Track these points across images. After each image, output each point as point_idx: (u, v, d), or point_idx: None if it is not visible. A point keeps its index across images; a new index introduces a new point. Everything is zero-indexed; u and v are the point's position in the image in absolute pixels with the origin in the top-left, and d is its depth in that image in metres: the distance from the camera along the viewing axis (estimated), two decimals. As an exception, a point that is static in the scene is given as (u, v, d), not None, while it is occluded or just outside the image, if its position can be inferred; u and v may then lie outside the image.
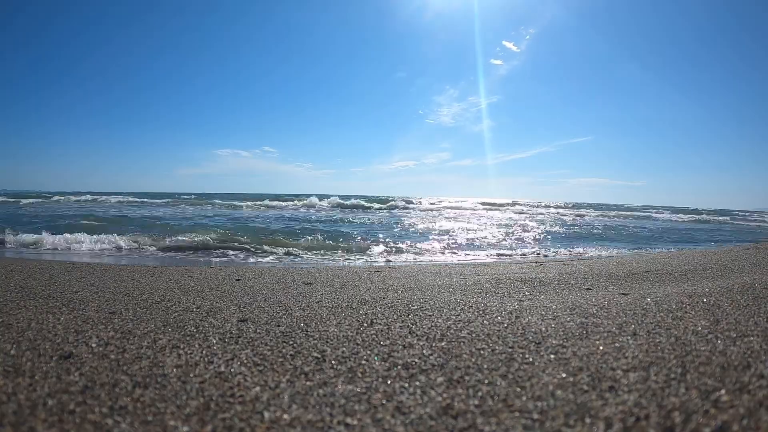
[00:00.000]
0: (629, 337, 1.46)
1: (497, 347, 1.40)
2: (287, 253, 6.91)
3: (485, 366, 1.24)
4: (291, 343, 1.50)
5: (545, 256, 7.08)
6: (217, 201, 25.12)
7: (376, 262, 6.13)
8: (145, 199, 25.36)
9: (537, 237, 10.48)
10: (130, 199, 25.62)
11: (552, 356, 1.30)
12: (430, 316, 1.86)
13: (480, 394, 1.06)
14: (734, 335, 1.43)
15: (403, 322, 1.77)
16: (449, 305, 2.09)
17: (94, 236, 7.23)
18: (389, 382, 1.15)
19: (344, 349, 1.42)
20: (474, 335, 1.54)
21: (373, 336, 1.56)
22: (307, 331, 1.64)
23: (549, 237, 10.61)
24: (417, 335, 1.56)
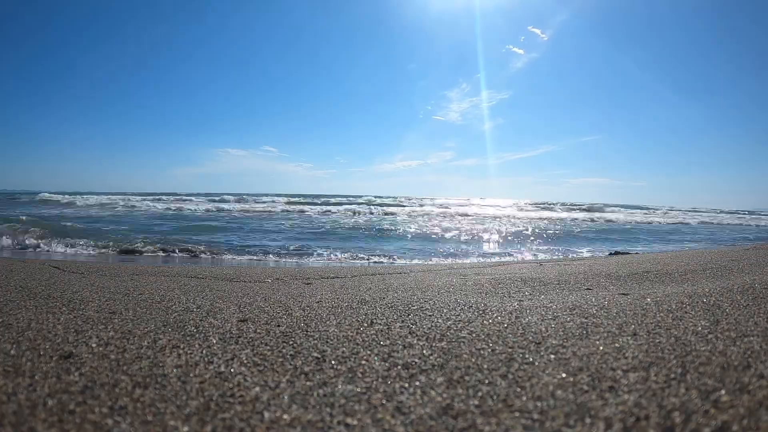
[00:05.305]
0: (629, 338, 1.46)
1: (497, 347, 1.40)
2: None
3: (485, 366, 1.24)
4: (291, 343, 1.50)
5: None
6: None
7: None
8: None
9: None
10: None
11: (552, 356, 1.30)
12: (430, 316, 1.86)
13: (480, 394, 1.06)
14: (734, 335, 1.43)
15: (403, 322, 1.77)
16: (449, 305, 2.09)
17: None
18: (389, 382, 1.15)
19: (344, 349, 1.42)
20: (474, 335, 1.54)
21: (373, 336, 1.56)
22: (307, 331, 1.64)
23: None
24: (417, 335, 1.56)
